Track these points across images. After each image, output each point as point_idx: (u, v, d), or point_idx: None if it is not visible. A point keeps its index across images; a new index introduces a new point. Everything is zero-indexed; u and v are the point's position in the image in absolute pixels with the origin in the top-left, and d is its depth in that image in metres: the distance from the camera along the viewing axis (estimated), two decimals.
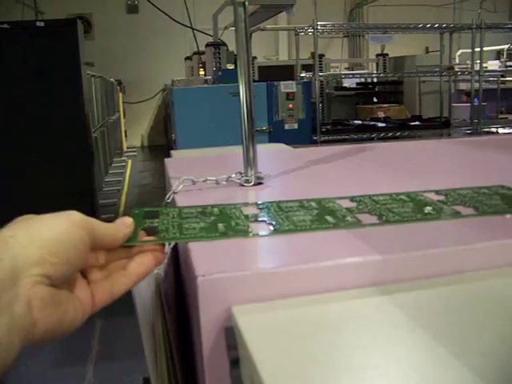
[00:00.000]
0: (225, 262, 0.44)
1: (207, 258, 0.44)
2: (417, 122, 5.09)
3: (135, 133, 10.28)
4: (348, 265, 0.43)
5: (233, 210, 0.58)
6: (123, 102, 9.45)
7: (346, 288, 0.43)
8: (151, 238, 0.49)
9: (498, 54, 7.84)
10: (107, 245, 0.45)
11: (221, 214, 0.57)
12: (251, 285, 0.41)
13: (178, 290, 0.61)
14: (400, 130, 4.69)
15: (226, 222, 0.54)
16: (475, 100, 5.05)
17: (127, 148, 9.63)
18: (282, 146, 1.39)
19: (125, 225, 0.47)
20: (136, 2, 10.01)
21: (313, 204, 0.60)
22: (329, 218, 0.55)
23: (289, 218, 0.55)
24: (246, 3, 0.68)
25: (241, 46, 0.70)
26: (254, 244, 0.49)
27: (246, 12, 0.68)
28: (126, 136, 9.65)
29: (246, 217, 0.56)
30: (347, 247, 0.48)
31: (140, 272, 0.46)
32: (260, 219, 0.55)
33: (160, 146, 9.88)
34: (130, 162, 8.41)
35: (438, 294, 0.42)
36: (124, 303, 0.53)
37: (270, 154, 1.14)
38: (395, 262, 0.44)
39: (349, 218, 0.55)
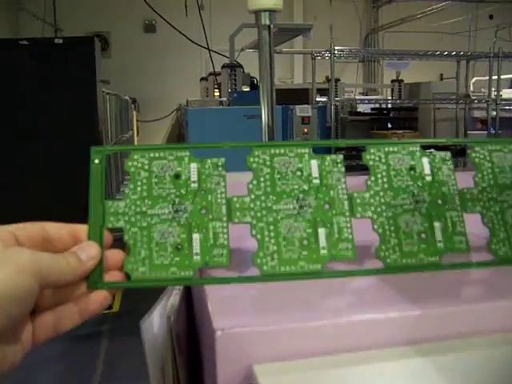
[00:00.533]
0: (246, 313, 0.40)
1: (226, 307, 0.40)
2: (432, 150, 5.04)
3: None
4: (381, 320, 0.39)
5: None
6: (137, 120, 9.48)
7: (379, 346, 0.39)
8: (119, 276, 0.44)
9: None
10: (62, 285, 0.39)
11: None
12: (275, 341, 0.37)
13: (189, 325, 0.57)
14: None
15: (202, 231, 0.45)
16: (491, 128, 5.00)
17: None
18: None
19: (88, 256, 0.41)
20: (154, 22, 10.08)
21: None
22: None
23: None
24: (271, 26, 0.65)
25: (264, 69, 0.67)
26: (275, 290, 0.45)
27: (271, 35, 0.65)
28: None
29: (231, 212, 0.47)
30: (376, 298, 0.44)
31: (92, 310, 0.40)
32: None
33: None
34: None
35: (485, 356, 0.38)
36: (130, 324, 0.50)
37: None
38: (434, 317, 0.40)
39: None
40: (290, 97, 4.78)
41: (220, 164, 0.48)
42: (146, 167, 0.47)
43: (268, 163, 0.48)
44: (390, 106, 6.78)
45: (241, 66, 4.93)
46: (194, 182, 0.47)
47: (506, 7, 9.89)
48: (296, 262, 0.45)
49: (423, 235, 0.47)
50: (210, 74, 5.94)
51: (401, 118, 6.48)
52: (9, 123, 3.26)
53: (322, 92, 5.28)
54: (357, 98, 7.11)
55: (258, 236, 0.46)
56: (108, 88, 5.11)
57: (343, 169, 0.49)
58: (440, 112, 5.97)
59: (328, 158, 0.49)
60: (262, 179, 0.48)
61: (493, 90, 5.05)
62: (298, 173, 0.48)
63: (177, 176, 0.47)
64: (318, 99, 4.72)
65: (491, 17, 10.29)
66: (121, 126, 6.71)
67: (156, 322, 0.48)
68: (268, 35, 0.65)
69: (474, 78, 7.27)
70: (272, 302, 0.43)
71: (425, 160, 0.51)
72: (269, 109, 0.70)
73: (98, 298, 0.41)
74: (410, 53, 5.00)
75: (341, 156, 0.50)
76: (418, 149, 0.52)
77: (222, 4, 9.10)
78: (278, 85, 7.21)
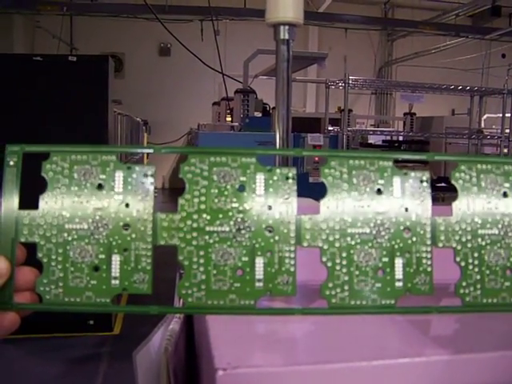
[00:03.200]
0: (251, 351, 0.35)
1: (229, 344, 0.36)
2: (443, 184, 5.01)
3: (157, 174, 10.28)
4: (403, 364, 0.35)
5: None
6: (148, 143, 9.50)
7: None
8: (31, 297, 0.39)
9: None
10: None
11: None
12: (280, 382, 0.33)
13: (189, 356, 0.53)
14: None
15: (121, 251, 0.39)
16: None
17: None
18: (309, 201, 1.31)
19: None
20: (169, 45, 10.17)
21: None
22: None
23: None
24: (291, 42, 0.61)
25: (281, 89, 0.63)
26: (282, 327, 0.40)
27: (290, 51, 0.62)
28: None
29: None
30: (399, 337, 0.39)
31: None
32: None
33: (181, 189, 9.87)
34: None
35: None
36: (131, 347, 0.46)
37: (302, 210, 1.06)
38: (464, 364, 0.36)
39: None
40: (301, 125, 4.77)
41: (149, 173, 0.42)
42: (66, 172, 0.40)
43: (205, 174, 0.41)
44: (401, 138, 6.77)
45: (254, 92, 4.94)
46: (117, 193, 0.40)
47: None
48: (226, 295, 0.39)
49: (380, 272, 0.40)
50: (223, 99, 5.95)
51: (412, 151, 6.45)
52: (19, 138, 3.25)
53: (334, 122, 5.27)
54: (370, 129, 7.10)
55: (186, 262, 0.39)
56: (120, 109, 5.13)
57: (295, 186, 0.41)
58: (451, 147, 5.94)
59: (278, 171, 0.41)
60: (196, 193, 0.40)
61: (505, 127, 5.04)
62: (240, 188, 0.40)
63: (99, 185, 0.40)
64: (329, 128, 4.70)
65: (504, 55, 10.35)
66: None
67: (151, 353, 0.43)
68: (287, 51, 0.62)
69: (486, 115, 7.27)
70: (281, 338, 0.38)
71: (396, 180, 0.42)
72: (284, 132, 0.66)
73: (6, 322, 0.37)
74: (424, 86, 4.99)
75: (293, 170, 0.41)
76: (391, 165, 0.42)
77: (238, 30, 9.18)
78: None
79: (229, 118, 5.65)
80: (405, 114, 6.50)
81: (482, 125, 6.86)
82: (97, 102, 3.25)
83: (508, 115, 5.03)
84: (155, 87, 10.22)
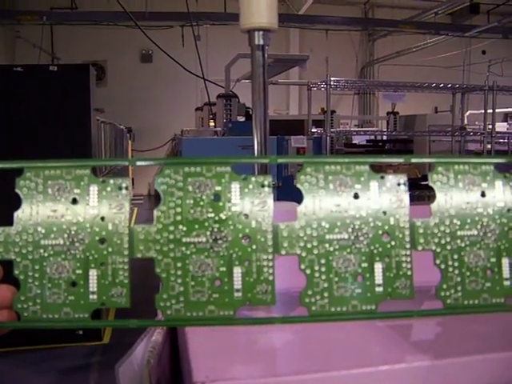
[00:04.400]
0: (231, 363, 0.35)
1: (208, 356, 0.35)
2: (427, 182, 5.03)
3: (143, 181, 10.25)
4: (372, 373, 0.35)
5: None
6: (132, 150, 9.47)
7: None
8: (9, 315, 0.38)
9: (506, 117, 7.87)
10: None
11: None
12: None
13: (175, 367, 0.52)
14: (411, 189, 4.60)
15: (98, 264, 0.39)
16: None
17: (134, 196, 9.58)
18: (292, 205, 1.31)
19: None
20: (150, 52, 10.15)
21: None
22: None
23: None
24: (266, 47, 0.61)
25: (257, 94, 0.63)
26: (262, 336, 0.40)
27: (265, 57, 0.61)
28: (133, 184, 9.64)
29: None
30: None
31: None
32: None
33: None
34: (135, 210, 8.34)
35: None
36: (121, 356, 0.45)
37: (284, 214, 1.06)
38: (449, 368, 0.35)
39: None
40: (285, 128, 4.77)
41: (124, 186, 0.40)
42: (40, 188, 0.40)
43: (180, 185, 0.40)
44: (385, 137, 6.80)
45: (236, 96, 4.94)
46: (92, 207, 0.40)
47: (498, 43, 10.03)
48: (204, 307, 0.38)
49: (359, 277, 0.39)
50: (206, 104, 5.95)
51: (396, 150, 6.48)
52: (1, 149, 3.22)
53: (318, 124, 5.28)
54: (353, 129, 7.13)
55: (163, 274, 0.39)
56: (103, 117, 5.10)
57: (271, 193, 0.40)
58: (435, 144, 5.98)
59: (253, 179, 0.40)
60: (171, 205, 0.40)
61: (488, 123, 5.08)
62: (216, 198, 0.40)
63: (74, 200, 0.40)
64: (313, 130, 4.71)
65: (484, 52, 10.44)
66: (115, 155, 6.68)
67: (134, 365, 0.43)
68: (262, 56, 0.61)
69: (469, 112, 7.32)
70: (261, 348, 0.38)
71: (373, 184, 0.41)
72: (262, 134, 0.65)
73: None
74: (406, 85, 5.02)
75: (269, 177, 0.40)
76: (367, 169, 0.41)
77: (219, 35, 9.18)
78: (273, 116, 7.24)
79: (212, 123, 5.64)
80: (388, 114, 6.53)
81: (465, 121, 6.91)
82: (79, 111, 3.24)
83: (490, 111, 5.06)
84: (138, 94, 10.19)
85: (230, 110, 4.79)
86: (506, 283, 0.40)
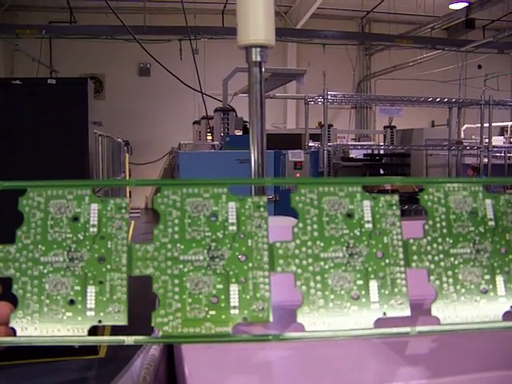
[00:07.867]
0: (224, 380, 0.35)
1: (204, 372, 0.36)
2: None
3: (140, 194, 10.26)
4: None
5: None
6: (129, 163, 9.47)
7: None
8: (5, 332, 0.38)
9: (502, 130, 7.90)
10: None
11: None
12: None
13: (171, 381, 0.52)
14: (408, 202, 4.63)
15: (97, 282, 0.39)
16: (483, 175, 5.03)
17: (131, 209, 9.56)
18: (289, 219, 1.30)
19: None
20: (148, 66, 10.19)
21: None
22: None
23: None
24: (263, 64, 0.61)
25: (254, 108, 0.63)
26: (258, 352, 0.40)
27: (262, 73, 0.62)
28: (130, 197, 9.62)
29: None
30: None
31: None
32: None
33: None
34: (132, 223, 8.33)
35: None
36: (117, 370, 0.45)
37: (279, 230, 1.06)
38: None
39: None
40: (282, 142, 4.78)
41: (123, 205, 0.41)
42: (42, 207, 0.41)
43: (178, 205, 0.41)
44: (382, 151, 6.81)
45: (233, 110, 4.95)
46: (93, 225, 0.40)
47: (494, 57, 10.09)
48: (201, 323, 0.39)
49: (355, 294, 0.40)
50: (203, 118, 5.96)
51: (393, 164, 6.50)
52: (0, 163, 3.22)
53: (315, 137, 5.29)
54: (350, 143, 7.14)
55: (161, 291, 0.39)
56: (101, 130, 5.11)
57: (266, 213, 0.41)
58: (432, 158, 6.00)
59: (249, 200, 0.41)
60: (169, 224, 0.41)
61: (484, 137, 5.10)
62: (213, 218, 0.41)
63: (75, 218, 0.41)
64: (310, 144, 4.72)
65: (479, 66, 10.50)
66: (113, 168, 6.68)
67: (130, 383, 0.43)
68: (259, 72, 0.62)
69: (465, 126, 7.35)
70: (257, 364, 0.38)
71: (366, 204, 0.42)
72: (259, 151, 0.66)
73: None
74: (403, 99, 5.04)
75: (264, 198, 0.41)
76: (360, 190, 0.42)
77: (216, 49, 9.22)
78: (270, 130, 7.26)
79: (209, 137, 5.66)
80: (385, 128, 6.55)
81: (462, 135, 6.94)
82: (77, 124, 3.24)
83: (486, 125, 5.08)
84: (136, 107, 10.21)
85: (227, 123, 4.80)
86: (501, 300, 0.41)
